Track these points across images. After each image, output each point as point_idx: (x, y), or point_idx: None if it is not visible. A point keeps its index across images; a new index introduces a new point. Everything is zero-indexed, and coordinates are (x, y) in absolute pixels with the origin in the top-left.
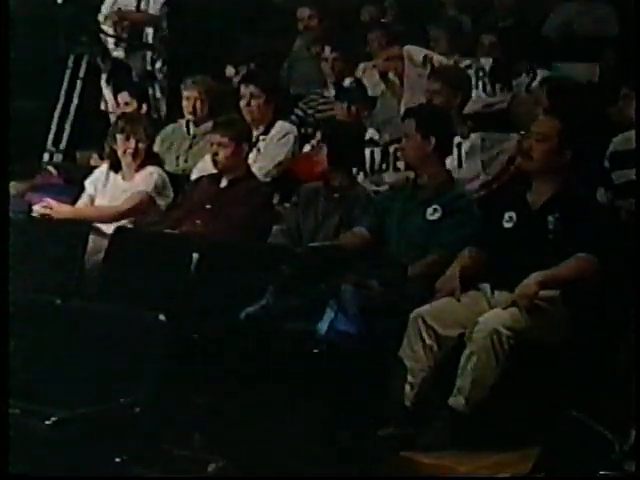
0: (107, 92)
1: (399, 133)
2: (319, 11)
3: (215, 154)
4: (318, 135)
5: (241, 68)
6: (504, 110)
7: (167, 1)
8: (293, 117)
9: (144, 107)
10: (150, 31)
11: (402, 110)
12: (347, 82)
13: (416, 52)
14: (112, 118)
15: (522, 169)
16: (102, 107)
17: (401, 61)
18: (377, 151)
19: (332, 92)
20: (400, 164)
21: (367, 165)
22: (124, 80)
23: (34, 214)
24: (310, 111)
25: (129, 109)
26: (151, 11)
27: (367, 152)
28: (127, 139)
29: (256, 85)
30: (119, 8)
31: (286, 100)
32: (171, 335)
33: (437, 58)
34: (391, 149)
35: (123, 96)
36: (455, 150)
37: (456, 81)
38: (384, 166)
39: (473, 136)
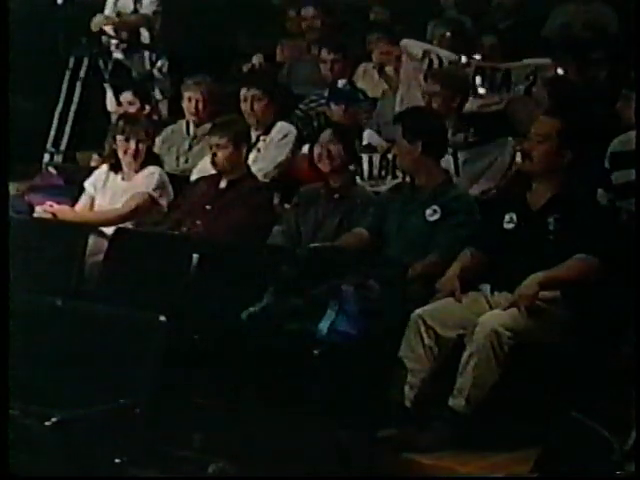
0: (109, 93)
1: None
2: (320, 11)
3: (214, 155)
4: (327, 134)
5: (244, 67)
6: (501, 112)
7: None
8: (293, 118)
9: (147, 108)
10: (145, 32)
11: (397, 104)
12: (340, 83)
13: (414, 46)
14: (113, 118)
15: (522, 170)
16: (108, 108)
17: (398, 54)
18: (376, 157)
19: (327, 94)
20: (399, 172)
21: (366, 172)
22: (126, 80)
23: (35, 215)
24: (311, 112)
25: (132, 109)
26: (144, 11)
27: (365, 158)
28: (127, 140)
29: (258, 88)
30: (118, 11)
31: (287, 101)
32: (171, 335)
33: (436, 53)
34: (390, 156)
35: (126, 96)
36: (451, 158)
37: (455, 83)
38: (383, 172)
39: (466, 151)
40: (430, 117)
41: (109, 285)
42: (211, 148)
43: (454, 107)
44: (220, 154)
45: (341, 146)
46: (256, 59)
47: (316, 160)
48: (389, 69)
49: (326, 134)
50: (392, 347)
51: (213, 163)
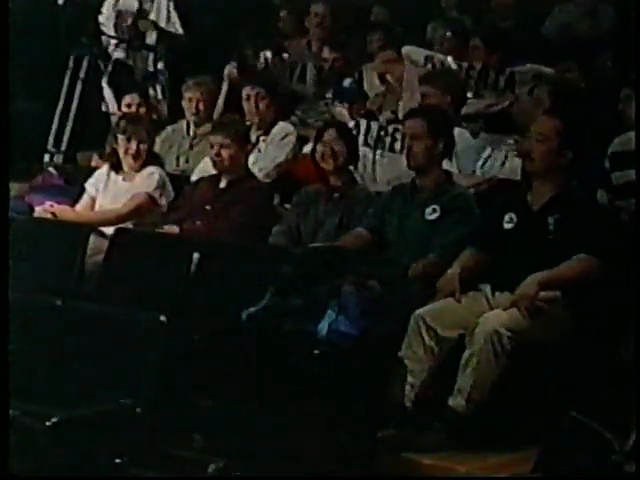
0: (108, 93)
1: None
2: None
3: (217, 155)
4: (331, 133)
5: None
6: (505, 111)
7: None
8: (294, 118)
9: (147, 108)
10: (152, 33)
11: (400, 111)
12: (346, 82)
13: (416, 52)
14: (113, 119)
15: (522, 170)
16: (103, 108)
17: (399, 63)
18: (374, 125)
19: (331, 93)
20: (397, 145)
21: (362, 136)
22: (128, 82)
23: (35, 215)
24: (311, 112)
25: (132, 109)
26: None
27: (364, 123)
28: (129, 140)
29: (262, 86)
30: (119, 10)
31: (287, 100)
32: (171, 335)
33: (439, 58)
34: (390, 128)
35: (131, 98)
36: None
37: (447, 84)
38: (379, 144)
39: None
40: (450, 116)
41: (109, 285)
42: (213, 147)
43: (446, 107)
44: (224, 153)
45: (344, 145)
46: (258, 59)
47: (319, 159)
48: (390, 77)
49: (330, 133)
50: (392, 347)
51: (215, 162)
